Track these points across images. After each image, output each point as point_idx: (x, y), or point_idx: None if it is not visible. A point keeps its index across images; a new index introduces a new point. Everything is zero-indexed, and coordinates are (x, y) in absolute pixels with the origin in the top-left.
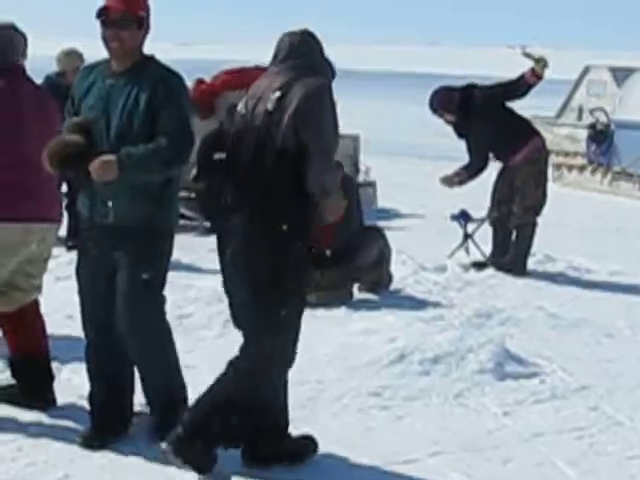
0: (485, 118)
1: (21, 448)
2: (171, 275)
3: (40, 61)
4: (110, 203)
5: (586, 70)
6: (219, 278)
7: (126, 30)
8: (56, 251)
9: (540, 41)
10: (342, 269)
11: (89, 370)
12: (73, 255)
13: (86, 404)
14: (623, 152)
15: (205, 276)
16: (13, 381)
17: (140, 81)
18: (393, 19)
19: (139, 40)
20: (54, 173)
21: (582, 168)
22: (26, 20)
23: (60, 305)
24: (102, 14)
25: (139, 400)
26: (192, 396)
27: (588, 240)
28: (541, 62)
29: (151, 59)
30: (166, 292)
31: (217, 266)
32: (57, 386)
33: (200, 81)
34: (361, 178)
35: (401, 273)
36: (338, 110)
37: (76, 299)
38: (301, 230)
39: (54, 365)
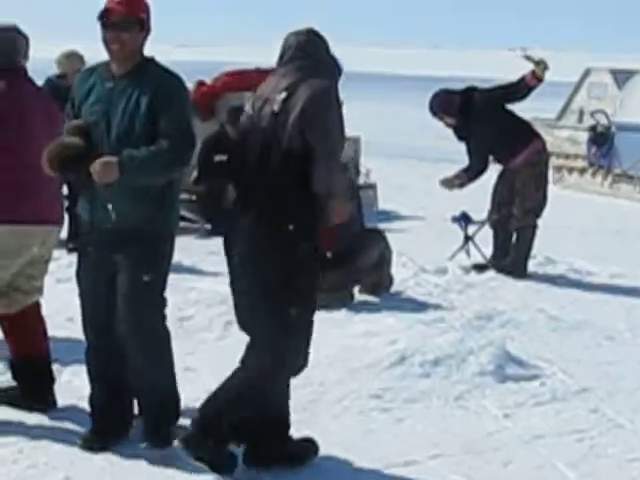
0: (485, 121)
1: (22, 450)
2: (172, 277)
3: (41, 63)
4: (111, 206)
5: (587, 72)
6: (220, 280)
7: (127, 32)
8: (57, 253)
9: (541, 43)
10: (343, 271)
11: (89, 372)
12: (74, 257)
13: (87, 406)
14: (624, 154)
15: (206, 278)
16: (14, 383)
17: (141, 84)
18: (394, 21)
19: (140, 42)
20: (54, 176)
21: (583, 170)
22: (27, 22)
23: (61, 307)
24: (103, 16)
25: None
26: (193, 397)
27: (589, 242)
28: (541, 64)
29: (151, 61)
30: (167, 294)
31: (218, 268)
32: (58, 388)
33: (201, 83)
34: (362, 180)
35: (402, 275)
36: None
37: (77, 301)
38: (308, 230)
39: (55, 367)
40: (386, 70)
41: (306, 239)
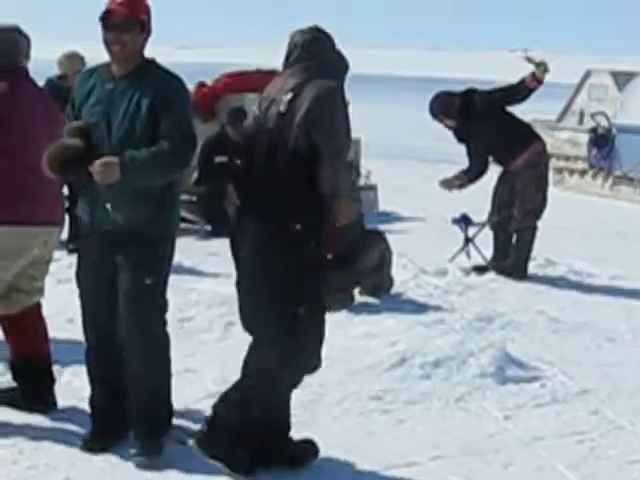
0: (485, 123)
1: (22, 451)
2: (172, 278)
3: (42, 64)
4: (111, 208)
5: (587, 74)
6: (220, 281)
7: (128, 34)
8: (57, 254)
9: (541, 45)
10: (343, 273)
11: (89, 374)
12: (74, 258)
13: (87, 407)
14: (624, 156)
15: (206, 279)
16: (14, 384)
17: (141, 85)
18: (394, 23)
19: (141, 44)
20: (54, 177)
21: (583, 172)
22: (28, 23)
23: (61, 308)
24: (104, 17)
25: None
26: (193, 398)
27: (589, 244)
28: (542, 66)
29: (152, 63)
30: (167, 295)
31: (218, 269)
32: (58, 389)
33: (201, 84)
34: (362, 182)
35: (402, 277)
36: None
37: (77, 302)
38: (314, 230)
39: (55, 368)
40: (386, 72)
41: (313, 238)
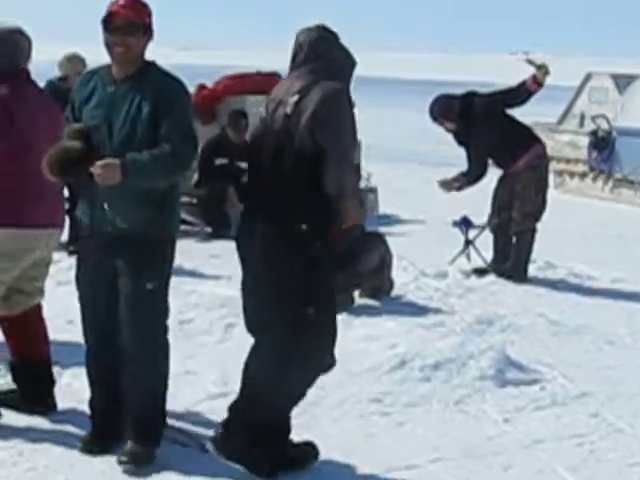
0: (486, 126)
1: (22, 453)
2: (172, 280)
3: (42, 66)
4: (111, 211)
5: (588, 77)
6: (221, 283)
7: (132, 36)
8: (57, 256)
9: (542, 48)
10: (343, 275)
11: (89, 376)
12: (74, 260)
13: (87, 409)
14: (625, 159)
15: (206, 282)
16: (14, 386)
17: (142, 88)
18: (396, 26)
19: (143, 46)
20: (55, 180)
21: (583, 175)
22: (29, 24)
23: (61, 310)
24: (108, 20)
25: None
26: (193, 400)
27: (589, 247)
28: (543, 69)
29: (153, 65)
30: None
31: (218, 272)
32: (58, 391)
33: (202, 86)
34: (362, 184)
35: (402, 279)
36: None
37: (77, 304)
38: (321, 230)
39: (55, 370)
40: (387, 74)
41: (319, 238)
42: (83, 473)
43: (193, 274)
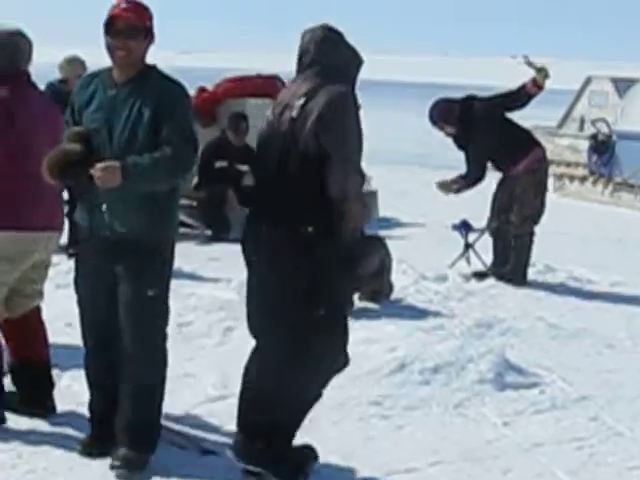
0: (485, 129)
1: (21, 455)
2: (172, 283)
3: (43, 68)
4: (110, 215)
5: (588, 81)
6: (220, 286)
7: (134, 40)
8: (56, 259)
9: (542, 51)
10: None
11: (88, 379)
12: (73, 263)
13: (86, 412)
14: (624, 163)
15: (206, 284)
16: (13, 388)
17: (143, 92)
18: (397, 29)
19: (144, 50)
20: (54, 183)
21: (583, 179)
22: (29, 26)
23: (60, 313)
24: (110, 23)
25: None
26: (192, 403)
27: (589, 251)
28: (542, 72)
29: (153, 69)
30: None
31: (218, 275)
32: (57, 393)
33: (202, 89)
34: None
35: (402, 282)
36: None
37: (76, 307)
38: (327, 231)
39: (54, 372)
40: (387, 77)
41: (326, 239)
42: (82, 476)
43: (192, 277)
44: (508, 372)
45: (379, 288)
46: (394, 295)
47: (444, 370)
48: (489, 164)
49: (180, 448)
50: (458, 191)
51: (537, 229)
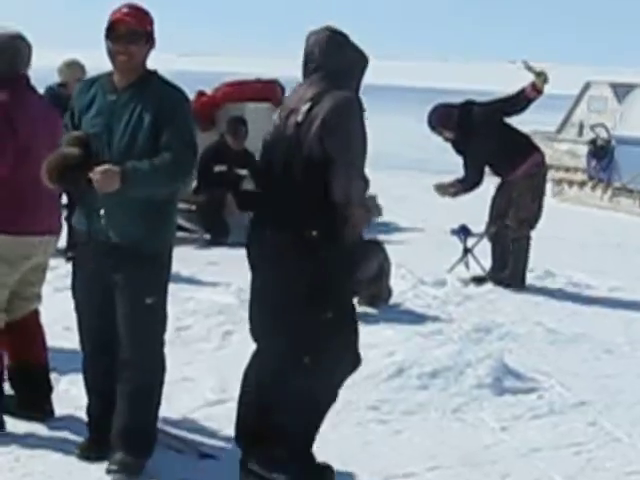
0: (484, 134)
1: (18, 458)
2: (170, 287)
3: (42, 72)
4: (107, 220)
5: (587, 86)
6: (219, 290)
7: (135, 44)
8: (55, 262)
9: (541, 56)
10: None
11: (86, 383)
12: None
13: (84, 416)
14: (623, 168)
15: (204, 288)
16: (11, 392)
17: (144, 97)
18: (397, 34)
19: (145, 55)
20: (53, 187)
21: (582, 184)
22: (28, 30)
23: (59, 316)
24: (111, 28)
25: None
26: (191, 407)
27: (588, 256)
28: (542, 76)
29: (154, 74)
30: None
31: (217, 279)
32: (55, 397)
33: (201, 93)
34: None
35: (400, 287)
36: None
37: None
38: (331, 235)
39: (52, 376)
40: (387, 82)
41: (330, 242)
42: (80, 479)
43: (191, 281)
44: (506, 377)
45: (378, 292)
46: (393, 300)
47: (442, 375)
48: (488, 169)
49: (178, 452)
50: (455, 194)
51: (536, 234)
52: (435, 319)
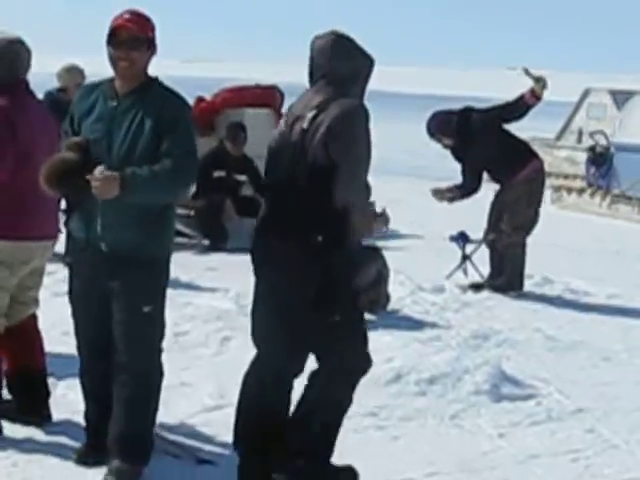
0: (483, 141)
1: (16, 463)
2: (169, 293)
3: (41, 77)
4: (105, 227)
5: (586, 93)
6: (217, 296)
7: (136, 51)
8: (53, 267)
9: (541, 63)
10: None
11: (83, 388)
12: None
13: (81, 420)
14: (622, 175)
15: (203, 294)
16: (9, 396)
17: (145, 104)
18: (396, 41)
19: (146, 61)
20: (52, 193)
21: (581, 191)
22: (28, 35)
23: (56, 321)
24: (113, 34)
25: None
26: (189, 413)
27: (586, 263)
28: (541, 82)
29: (155, 81)
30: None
31: (215, 284)
32: (53, 402)
33: (200, 99)
34: None
35: (399, 293)
36: None
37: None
38: (337, 239)
39: (50, 381)
40: (386, 88)
41: (336, 247)
42: None
43: (189, 286)
44: (504, 384)
45: (376, 299)
46: (391, 306)
47: (440, 381)
48: (486, 175)
49: (175, 457)
50: (452, 200)
51: (534, 240)
52: (433, 325)
